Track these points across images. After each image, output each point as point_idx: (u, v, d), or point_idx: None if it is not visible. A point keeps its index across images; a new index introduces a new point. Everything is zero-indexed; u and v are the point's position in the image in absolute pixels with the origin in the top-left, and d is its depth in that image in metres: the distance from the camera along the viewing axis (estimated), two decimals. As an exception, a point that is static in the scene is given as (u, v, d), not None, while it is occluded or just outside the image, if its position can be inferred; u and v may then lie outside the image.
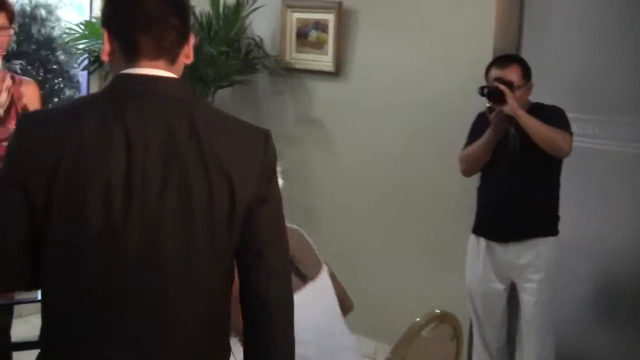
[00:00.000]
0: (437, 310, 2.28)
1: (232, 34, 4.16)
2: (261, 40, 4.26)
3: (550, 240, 3.14)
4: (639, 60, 3.33)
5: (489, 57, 3.27)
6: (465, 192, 3.39)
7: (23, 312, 3.26)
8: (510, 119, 3.01)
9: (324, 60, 4.04)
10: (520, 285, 3.18)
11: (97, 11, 4.43)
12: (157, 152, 1.43)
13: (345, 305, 2.24)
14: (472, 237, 3.27)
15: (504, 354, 3.35)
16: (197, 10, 4.14)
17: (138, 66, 1.47)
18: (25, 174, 1.42)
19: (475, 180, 3.29)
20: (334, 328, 2.12)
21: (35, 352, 1.54)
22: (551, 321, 3.17)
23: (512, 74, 3.06)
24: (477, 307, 3.29)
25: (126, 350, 1.45)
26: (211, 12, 4.16)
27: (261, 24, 4.26)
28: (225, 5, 4.18)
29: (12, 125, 2.83)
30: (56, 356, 1.49)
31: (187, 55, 1.54)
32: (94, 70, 4.36)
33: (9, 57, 3.76)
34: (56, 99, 4.74)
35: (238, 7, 4.16)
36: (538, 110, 3.05)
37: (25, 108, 2.93)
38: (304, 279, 2.09)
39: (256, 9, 4.17)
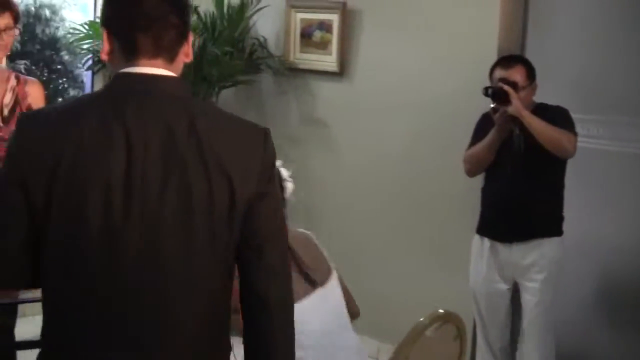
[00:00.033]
0: (441, 310, 2.28)
1: (236, 34, 4.17)
2: (265, 40, 4.26)
3: (554, 240, 3.14)
4: (643, 61, 3.33)
5: (493, 58, 3.27)
6: (469, 192, 3.39)
7: (27, 312, 3.26)
8: (515, 120, 3.01)
9: (328, 61, 4.04)
10: (522, 284, 3.18)
11: (102, 11, 4.43)
12: (157, 151, 1.43)
13: (352, 311, 2.23)
14: (476, 237, 3.26)
15: (507, 354, 3.34)
16: (202, 10, 4.15)
17: (137, 65, 1.47)
18: (25, 174, 1.42)
19: (479, 180, 3.28)
20: (341, 334, 2.11)
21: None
22: (552, 322, 3.17)
23: (517, 74, 3.05)
24: (481, 307, 3.28)
25: (126, 350, 1.45)
26: (215, 12, 4.17)
27: (265, 24, 4.26)
28: (229, 6, 4.19)
29: (16, 125, 2.83)
30: (56, 356, 1.49)
31: (186, 54, 1.54)
32: (98, 70, 4.36)
33: (13, 57, 3.78)
34: (60, 99, 4.75)
35: (242, 7, 4.16)
36: (542, 111, 3.05)
37: (29, 108, 2.94)
38: (314, 284, 2.07)
39: (260, 9, 4.17)
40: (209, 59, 4.01)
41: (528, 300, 3.16)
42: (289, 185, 2.13)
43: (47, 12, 4.77)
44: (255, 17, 4.23)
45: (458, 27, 3.60)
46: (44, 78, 4.61)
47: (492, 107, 3.06)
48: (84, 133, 1.42)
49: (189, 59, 1.55)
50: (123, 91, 1.47)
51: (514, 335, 3.34)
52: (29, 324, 3.19)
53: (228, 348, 1.59)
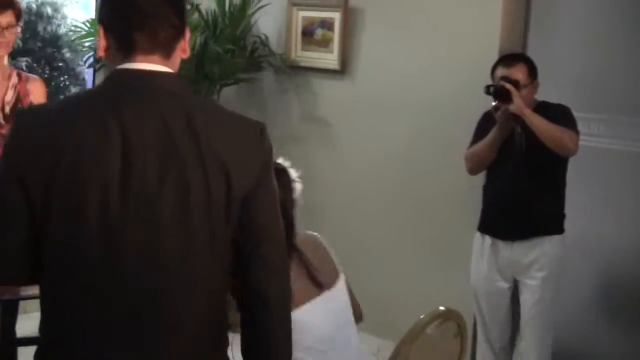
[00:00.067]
0: (442, 308, 2.28)
1: (238, 32, 4.16)
2: (267, 38, 4.26)
3: (555, 238, 3.14)
4: (645, 60, 3.33)
5: (494, 57, 3.26)
6: (470, 190, 3.39)
7: (28, 308, 3.27)
8: (516, 118, 3.01)
9: (330, 59, 4.04)
10: (522, 282, 3.18)
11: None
12: (154, 148, 1.43)
13: (355, 315, 2.22)
14: (478, 235, 3.27)
15: (507, 352, 3.34)
16: (203, 8, 4.15)
17: (134, 61, 1.47)
18: (24, 173, 1.43)
19: (480, 178, 3.28)
20: (344, 338, 2.09)
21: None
22: (551, 321, 3.16)
23: (518, 72, 3.05)
24: (482, 305, 3.29)
25: (126, 350, 1.45)
26: (217, 10, 4.17)
27: (267, 22, 4.26)
28: (231, 3, 4.19)
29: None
30: (54, 353, 1.49)
31: (183, 50, 1.54)
32: (99, 68, 4.36)
33: (14, 55, 3.78)
34: (62, 97, 4.75)
35: (244, 5, 4.16)
36: (544, 109, 3.05)
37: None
38: (321, 287, 2.06)
39: (262, 7, 4.17)
40: (211, 56, 4.01)
41: (527, 298, 3.16)
42: (298, 186, 2.12)
43: (49, 10, 4.77)
44: (256, 15, 4.22)
45: (460, 26, 3.60)
46: (46, 76, 4.62)
47: (494, 106, 3.06)
48: (81, 132, 1.42)
49: (186, 54, 1.55)
50: (120, 88, 1.47)
51: (514, 333, 3.34)
52: (29, 321, 3.20)
53: (226, 345, 1.59)
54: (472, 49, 3.55)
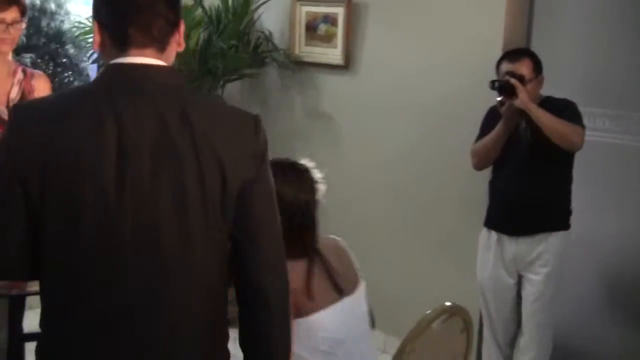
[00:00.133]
0: (448, 303, 2.28)
1: (242, 27, 4.16)
2: (270, 33, 4.26)
3: (560, 234, 3.13)
4: (650, 54, 3.32)
5: (499, 52, 3.26)
6: (476, 187, 3.38)
7: (35, 304, 3.27)
8: (522, 113, 3.00)
9: (333, 54, 4.04)
10: (526, 277, 3.18)
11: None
12: (150, 143, 1.43)
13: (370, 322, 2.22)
14: (484, 230, 3.26)
15: (513, 347, 3.35)
16: (207, 4, 4.14)
17: (128, 55, 1.48)
18: (23, 171, 1.43)
19: (486, 175, 3.28)
20: (358, 345, 2.08)
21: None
22: (552, 317, 3.16)
23: (523, 67, 3.05)
24: (488, 301, 3.29)
25: (126, 347, 1.45)
26: (220, 5, 4.16)
27: (270, 17, 4.26)
28: (234, -1, 4.19)
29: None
30: (54, 351, 1.50)
31: (178, 43, 1.54)
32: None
33: (18, 51, 3.78)
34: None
35: (247, 0, 4.16)
36: (549, 104, 3.04)
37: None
38: (341, 293, 2.04)
39: (265, 2, 4.17)
40: (214, 52, 4.01)
41: (529, 293, 3.16)
42: (322, 187, 2.11)
43: (52, 6, 4.78)
44: (260, 11, 4.22)
45: (464, 21, 3.59)
46: (50, 71, 4.62)
47: (499, 101, 3.05)
48: (78, 128, 1.42)
49: (182, 47, 1.56)
50: (115, 82, 1.47)
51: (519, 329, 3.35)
52: (36, 317, 3.21)
53: (226, 339, 1.59)
54: (476, 44, 3.54)
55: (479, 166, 3.21)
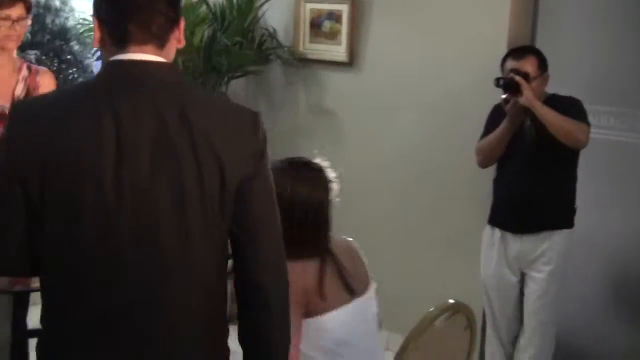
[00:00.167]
0: (451, 301, 2.28)
1: (246, 24, 4.16)
2: (275, 30, 4.26)
3: (564, 232, 3.13)
4: (655, 52, 3.31)
5: (503, 51, 3.25)
6: (481, 184, 3.38)
7: (38, 300, 3.28)
8: (526, 110, 3.00)
9: (338, 51, 4.03)
10: (529, 275, 3.17)
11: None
12: (148, 141, 1.43)
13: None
14: (487, 227, 3.26)
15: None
16: (211, 1, 4.14)
17: (127, 52, 1.48)
18: (23, 169, 1.43)
19: (490, 172, 3.28)
20: (365, 346, 2.08)
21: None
22: (555, 315, 3.15)
23: (528, 65, 3.04)
24: (491, 299, 3.28)
25: (125, 344, 1.45)
26: (225, 2, 4.16)
27: (275, 14, 4.25)
28: (239, -4, 4.18)
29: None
30: (55, 348, 1.50)
31: (178, 40, 1.55)
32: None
33: (23, 47, 3.78)
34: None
35: (252, -3, 4.16)
36: (554, 101, 3.04)
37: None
38: (352, 294, 2.03)
39: (270, -1, 4.17)
40: (219, 49, 4.00)
41: (532, 291, 3.15)
42: (335, 187, 2.11)
43: (57, 2, 4.78)
44: (264, 7, 4.22)
45: (468, 18, 3.59)
46: (54, 68, 4.62)
47: (504, 98, 3.05)
48: (77, 126, 1.43)
49: (182, 44, 1.56)
50: (114, 79, 1.48)
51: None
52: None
53: (226, 336, 1.59)
54: (480, 41, 3.54)
55: (483, 164, 3.21)
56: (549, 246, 3.11)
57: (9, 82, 2.94)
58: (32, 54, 4.45)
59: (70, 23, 4.77)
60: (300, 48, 4.18)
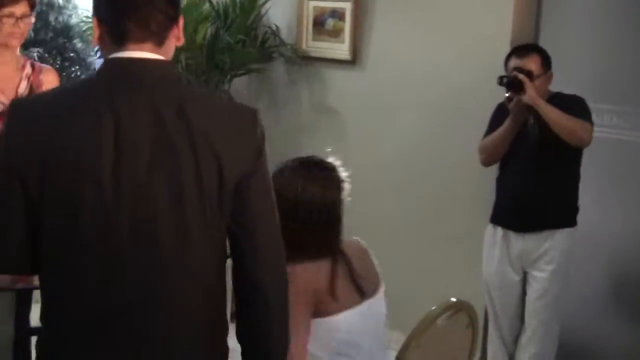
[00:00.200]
0: (453, 299, 2.28)
1: (249, 22, 4.16)
2: (278, 28, 4.26)
3: (566, 231, 3.12)
4: (659, 50, 3.31)
5: (507, 49, 3.24)
6: (484, 183, 3.38)
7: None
8: (530, 109, 2.99)
9: (341, 49, 4.03)
10: (531, 274, 3.17)
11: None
12: (147, 138, 1.43)
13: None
14: (490, 226, 3.26)
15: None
16: (214, -1, 4.15)
17: (126, 49, 1.48)
18: (22, 168, 1.44)
19: (493, 171, 3.27)
20: (371, 348, 2.08)
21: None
22: (557, 314, 3.15)
23: (532, 63, 3.04)
24: (493, 297, 3.28)
25: (125, 343, 1.46)
26: (228, 0, 4.16)
27: (278, 12, 4.25)
28: (242, -6, 4.18)
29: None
30: (54, 346, 1.50)
31: (177, 38, 1.55)
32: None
33: (26, 45, 3.78)
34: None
35: (254, -5, 4.16)
36: (558, 100, 3.03)
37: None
38: (363, 295, 2.03)
39: (273, -4, 4.17)
40: (222, 47, 4.01)
41: (534, 290, 3.15)
42: (347, 186, 2.11)
43: (60, 0, 4.78)
44: (267, 5, 4.22)
45: (472, 16, 3.58)
46: (57, 66, 4.63)
47: (507, 97, 3.04)
48: (76, 124, 1.43)
49: (181, 42, 1.56)
50: (113, 77, 1.48)
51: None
52: (43, 310, 3.21)
53: (226, 334, 1.59)
54: (484, 40, 3.53)
55: (486, 162, 3.20)
56: (551, 245, 3.11)
57: (13, 80, 2.94)
58: (35, 52, 4.45)
59: (74, 21, 4.77)
60: (303, 46, 4.18)
